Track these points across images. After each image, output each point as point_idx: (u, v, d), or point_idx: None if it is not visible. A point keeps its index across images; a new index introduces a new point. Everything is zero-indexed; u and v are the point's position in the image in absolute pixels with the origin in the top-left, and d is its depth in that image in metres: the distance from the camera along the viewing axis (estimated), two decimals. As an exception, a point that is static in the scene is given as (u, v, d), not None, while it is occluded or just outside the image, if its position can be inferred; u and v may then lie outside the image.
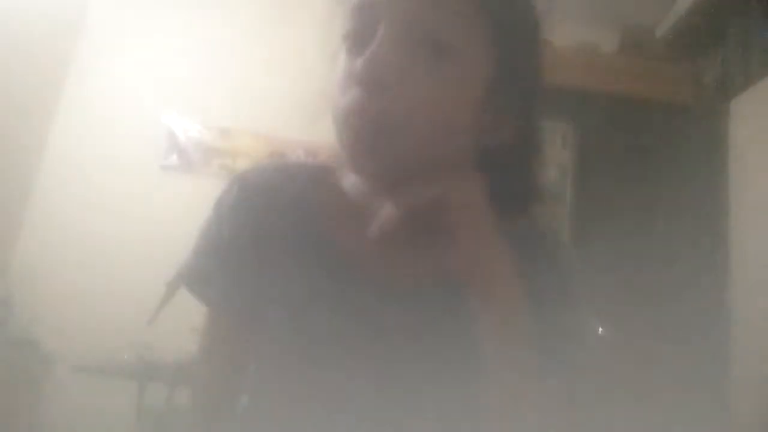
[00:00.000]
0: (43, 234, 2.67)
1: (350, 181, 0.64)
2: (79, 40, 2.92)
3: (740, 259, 2.07)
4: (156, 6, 3.00)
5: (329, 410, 0.58)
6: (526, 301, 0.53)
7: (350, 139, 0.53)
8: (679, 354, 1.99)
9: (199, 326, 0.66)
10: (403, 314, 0.59)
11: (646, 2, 2.47)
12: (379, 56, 0.50)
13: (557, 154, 2.30)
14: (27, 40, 2.50)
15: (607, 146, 2.24)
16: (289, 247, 0.62)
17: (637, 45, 2.41)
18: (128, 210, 2.70)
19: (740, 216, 2.10)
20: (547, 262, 0.62)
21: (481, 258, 0.52)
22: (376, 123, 0.51)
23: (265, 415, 0.62)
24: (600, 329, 1.94)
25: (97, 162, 2.76)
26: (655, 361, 1.98)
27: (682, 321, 2.03)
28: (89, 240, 2.65)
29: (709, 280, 2.09)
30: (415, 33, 0.51)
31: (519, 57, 0.56)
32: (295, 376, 0.59)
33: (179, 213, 2.65)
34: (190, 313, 1.02)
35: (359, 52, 0.52)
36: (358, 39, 0.54)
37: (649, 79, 2.28)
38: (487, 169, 0.54)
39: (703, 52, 2.38)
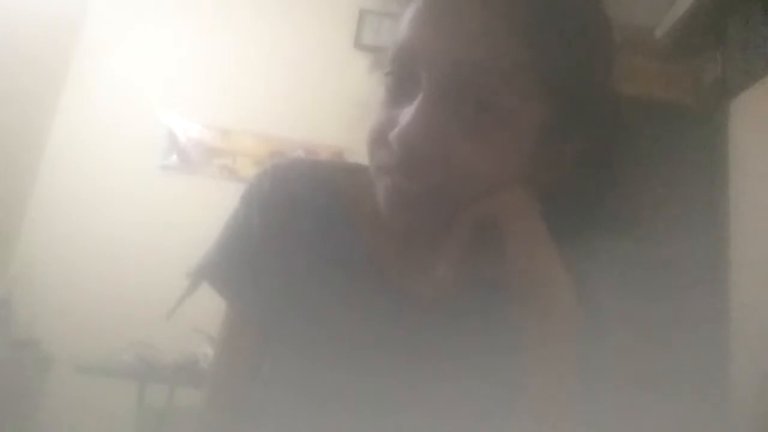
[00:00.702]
0: (43, 234, 2.67)
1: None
2: (79, 40, 2.92)
3: (740, 259, 2.07)
4: (156, 6, 3.00)
5: (344, 415, 0.57)
6: (578, 313, 0.51)
7: (387, 192, 0.51)
8: (679, 354, 1.99)
9: (201, 326, 0.65)
10: (431, 324, 0.58)
11: (646, 2, 2.47)
12: (421, 116, 0.47)
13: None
14: (27, 40, 2.50)
15: (607, 146, 2.24)
16: (318, 248, 0.60)
17: (637, 45, 2.41)
18: (128, 210, 2.70)
19: (740, 216, 2.10)
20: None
21: (537, 267, 0.50)
22: (414, 182, 0.49)
23: (277, 416, 0.61)
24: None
25: (97, 162, 2.76)
26: (654, 360, 1.98)
27: (682, 321, 2.03)
28: (89, 240, 2.65)
29: (709, 280, 2.09)
30: (459, 90, 0.47)
31: (581, 100, 0.51)
32: (314, 381, 0.58)
33: (179, 213, 2.67)
34: (191, 313, 1.02)
35: (399, 101, 0.50)
36: (399, 83, 0.51)
37: (649, 79, 2.28)
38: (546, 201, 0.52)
39: (703, 52, 2.38)
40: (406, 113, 0.48)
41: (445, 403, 0.56)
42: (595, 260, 0.63)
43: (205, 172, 2.84)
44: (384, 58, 0.53)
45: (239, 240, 0.61)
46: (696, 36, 2.37)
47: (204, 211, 1.58)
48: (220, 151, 2.88)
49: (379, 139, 0.51)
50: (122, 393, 2.19)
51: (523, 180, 0.51)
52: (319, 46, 2.97)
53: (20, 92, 2.52)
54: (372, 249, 0.60)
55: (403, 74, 0.50)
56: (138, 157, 2.80)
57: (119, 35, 2.94)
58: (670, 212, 2.15)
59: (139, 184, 2.76)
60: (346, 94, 2.47)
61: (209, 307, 0.66)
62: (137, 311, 2.27)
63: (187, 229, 1.38)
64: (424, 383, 0.57)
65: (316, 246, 0.60)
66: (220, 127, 2.90)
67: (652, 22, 2.51)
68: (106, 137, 2.79)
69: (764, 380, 1.80)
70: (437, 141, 0.47)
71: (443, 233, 0.51)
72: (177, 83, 2.91)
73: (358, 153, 0.59)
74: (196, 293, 0.64)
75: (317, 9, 3.01)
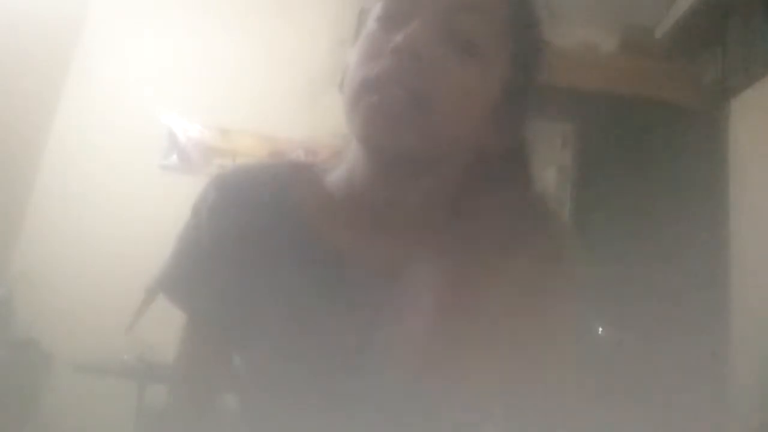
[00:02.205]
0: (44, 234, 2.67)
1: (334, 177, 0.63)
2: (79, 40, 2.92)
3: (740, 259, 2.07)
4: (156, 6, 3.00)
5: (321, 409, 0.57)
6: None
7: (373, 107, 0.53)
8: (679, 354, 1.99)
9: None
10: (393, 305, 0.58)
11: (646, 2, 2.47)
12: (419, 33, 0.53)
13: (557, 154, 2.30)
14: (27, 40, 2.50)
15: (607, 146, 2.24)
16: (272, 246, 0.60)
17: (637, 45, 2.41)
18: (128, 210, 2.70)
19: (740, 216, 2.10)
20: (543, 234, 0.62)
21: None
22: (406, 93, 0.52)
23: (255, 416, 0.61)
24: (600, 328, 1.94)
25: (97, 162, 2.76)
26: (654, 360, 1.98)
27: (682, 320, 2.03)
28: (89, 240, 2.65)
29: (709, 280, 2.09)
30: (448, 28, 0.54)
31: (531, 67, 0.60)
32: (287, 376, 0.58)
33: (179, 213, 2.67)
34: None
35: (395, 29, 0.54)
36: (392, 20, 0.56)
37: (649, 79, 2.28)
38: (489, 175, 0.59)
39: (703, 52, 2.38)
40: (405, 31, 0.53)
41: (410, 385, 0.56)
42: (592, 261, 0.65)
43: (205, 172, 2.83)
44: None
45: (190, 250, 0.63)
46: (696, 36, 2.37)
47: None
48: (220, 150, 2.88)
49: (374, 52, 0.55)
50: (122, 393, 2.19)
51: (478, 134, 0.57)
52: (319, 46, 2.97)
53: (20, 92, 2.52)
54: (325, 238, 0.60)
55: (395, 14, 0.55)
56: (138, 157, 2.80)
57: (119, 35, 2.94)
58: (669, 212, 2.15)
59: (139, 184, 2.76)
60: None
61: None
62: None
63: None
64: (390, 365, 0.57)
65: (267, 245, 0.61)
66: (220, 127, 2.90)
67: (652, 22, 2.51)
68: (106, 137, 2.79)
69: (764, 380, 1.80)
70: (434, 50, 0.53)
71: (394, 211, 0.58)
72: (177, 83, 2.91)
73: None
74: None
75: (317, 9, 3.01)
